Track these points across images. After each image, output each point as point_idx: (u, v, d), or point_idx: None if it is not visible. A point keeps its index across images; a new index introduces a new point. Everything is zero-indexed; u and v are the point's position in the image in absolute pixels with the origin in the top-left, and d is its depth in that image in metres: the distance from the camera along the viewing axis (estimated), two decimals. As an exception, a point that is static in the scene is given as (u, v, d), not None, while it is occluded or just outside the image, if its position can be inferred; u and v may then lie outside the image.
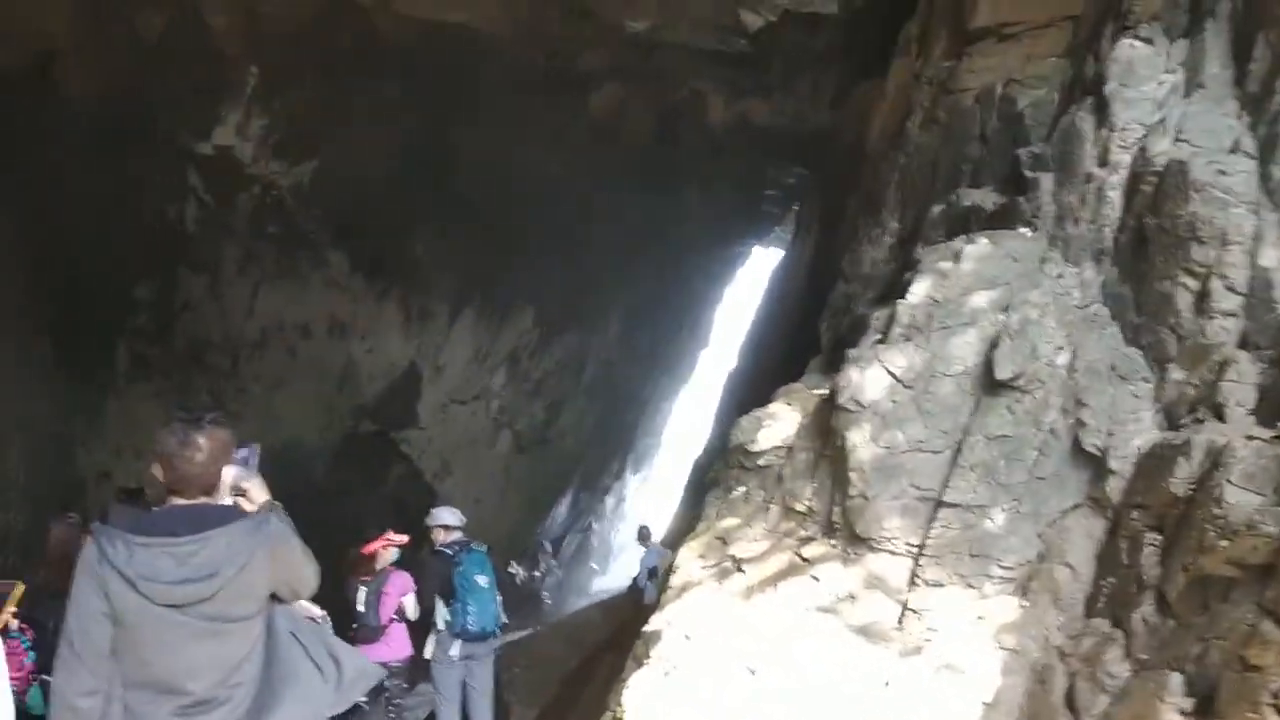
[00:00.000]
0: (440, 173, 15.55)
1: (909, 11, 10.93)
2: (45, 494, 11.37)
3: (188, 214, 11.97)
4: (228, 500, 3.10)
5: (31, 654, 4.52)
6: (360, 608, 7.71)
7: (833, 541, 5.21)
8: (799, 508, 5.53)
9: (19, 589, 4.22)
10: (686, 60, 14.92)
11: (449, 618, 7.60)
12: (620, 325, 21.90)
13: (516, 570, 22.89)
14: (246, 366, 13.13)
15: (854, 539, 5.10)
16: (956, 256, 5.62)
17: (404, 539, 8.16)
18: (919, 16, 10.46)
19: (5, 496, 11.32)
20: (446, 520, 8.13)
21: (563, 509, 24.59)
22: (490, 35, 13.64)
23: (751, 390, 16.74)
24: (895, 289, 7.85)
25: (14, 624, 4.36)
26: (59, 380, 11.80)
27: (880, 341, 5.62)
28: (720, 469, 6.64)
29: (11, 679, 3.82)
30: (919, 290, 5.57)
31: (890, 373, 5.30)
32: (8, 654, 3.84)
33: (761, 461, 5.97)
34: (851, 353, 5.65)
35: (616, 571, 33.51)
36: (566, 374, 20.35)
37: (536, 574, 24.37)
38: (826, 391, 5.88)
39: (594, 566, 29.49)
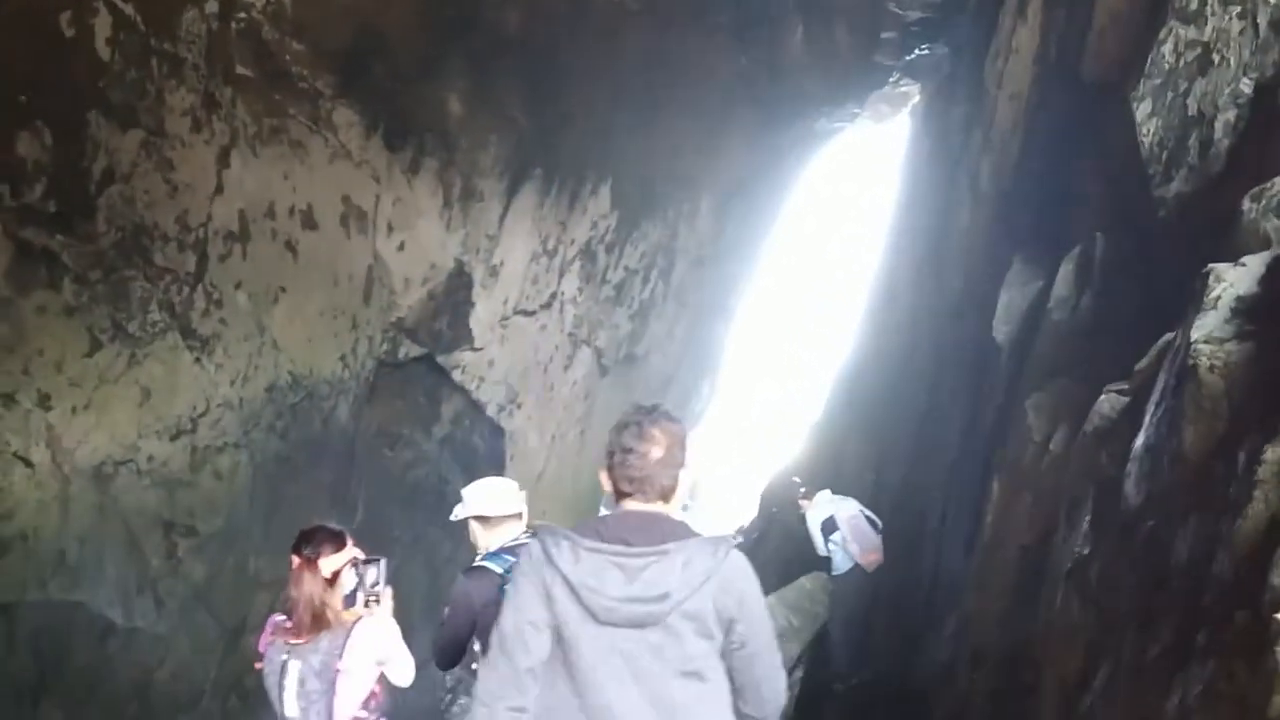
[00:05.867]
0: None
1: None
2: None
3: (98, 31, 7.74)
4: (678, 514, 2.75)
5: None
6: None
7: None
8: None
9: None
10: None
11: None
12: (711, 212, 17.52)
13: (604, 520, 19.18)
14: (221, 269, 8.94)
15: None
16: None
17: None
18: None
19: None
20: (483, 506, 4.49)
21: (650, 443, 20.52)
22: None
23: (922, 270, 12.43)
24: None
25: None
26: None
27: None
28: None
29: None
30: None
31: None
32: None
33: None
34: None
35: (696, 512, 29.80)
36: (653, 273, 16.07)
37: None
38: None
39: (687, 503, 25.61)
